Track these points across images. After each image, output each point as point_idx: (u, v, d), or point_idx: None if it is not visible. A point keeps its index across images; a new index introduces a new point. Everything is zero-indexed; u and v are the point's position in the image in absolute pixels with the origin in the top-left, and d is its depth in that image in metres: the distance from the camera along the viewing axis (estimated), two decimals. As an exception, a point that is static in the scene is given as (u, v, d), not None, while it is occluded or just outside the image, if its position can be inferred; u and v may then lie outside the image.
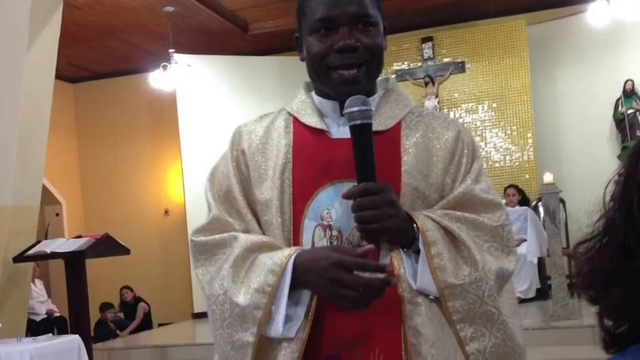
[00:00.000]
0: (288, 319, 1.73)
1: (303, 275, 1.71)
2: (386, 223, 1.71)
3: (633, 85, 10.46)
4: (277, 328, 1.72)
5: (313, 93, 1.95)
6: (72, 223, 12.44)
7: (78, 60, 11.92)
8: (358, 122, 1.73)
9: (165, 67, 10.49)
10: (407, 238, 1.77)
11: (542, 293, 9.16)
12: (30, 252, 6.73)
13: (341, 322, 1.75)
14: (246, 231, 1.85)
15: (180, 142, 11.27)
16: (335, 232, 1.81)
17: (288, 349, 1.73)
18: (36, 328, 9.42)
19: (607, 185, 0.86)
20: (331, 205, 1.82)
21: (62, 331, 9.41)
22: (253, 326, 1.73)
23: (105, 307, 10.93)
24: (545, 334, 6.83)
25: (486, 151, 10.71)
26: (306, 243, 1.82)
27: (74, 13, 9.39)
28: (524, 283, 8.80)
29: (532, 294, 8.99)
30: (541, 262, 9.20)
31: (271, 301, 1.71)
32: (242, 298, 1.73)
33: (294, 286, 1.73)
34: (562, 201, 8.86)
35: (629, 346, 0.83)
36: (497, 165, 10.81)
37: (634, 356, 0.81)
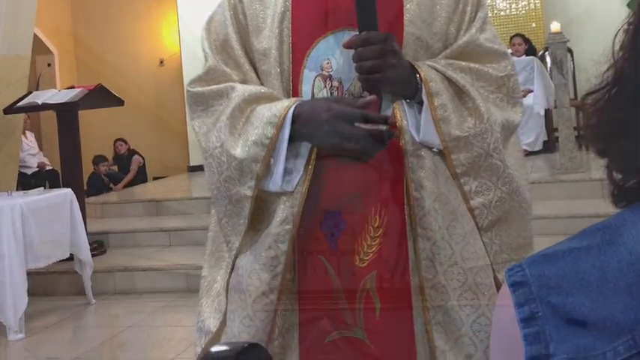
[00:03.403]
0: (287, 172, 1.71)
1: (303, 127, 1.67)
2: (388, 73, 1.66)
3: None
4: (276, 182, 1.71)
5: None
6: (64, 73, 12.28)
7: None
8: (359, -31, 1.64)
9: None
10: (410, 89, 1.72)
11: (549, 146, 9.17)
12: (21, 103, 6.64)
13: (341, 176, 1.74)
14: (244, 81, 1.80)
15: (175, -11, 10.96)
16: (335, 83, 1.76)
17: (287, 203, 1.72)
18: (27, 182, 9.49)
19: (616, 34, 0.81)
20: (332, 55, 1.76)
21: (54, 185, 9.46)
22: (251, 180, 1.71)
23: (98, 160, 10.93)
24: (552, 187, 6.85)
25: (491, -1, 10.42)
26: (306, 94, 1.77)
27: None
28: (531, 136, 8.78)
29: (539, 147, 8.99)
30: (548, 114, 9.16)
31: (270, 154, 1.68)
32: (240, 151, 1.71)
33: (294, 139, 1.70)
34: (569, 51, 8.72)
35: (639, 200, 0.80)
36: (502, 13, 10.56)
37: (644, 210, 0.78)
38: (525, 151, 7.41)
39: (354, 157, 1.67)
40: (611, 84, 0.80)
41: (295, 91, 1.78)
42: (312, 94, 1.77)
